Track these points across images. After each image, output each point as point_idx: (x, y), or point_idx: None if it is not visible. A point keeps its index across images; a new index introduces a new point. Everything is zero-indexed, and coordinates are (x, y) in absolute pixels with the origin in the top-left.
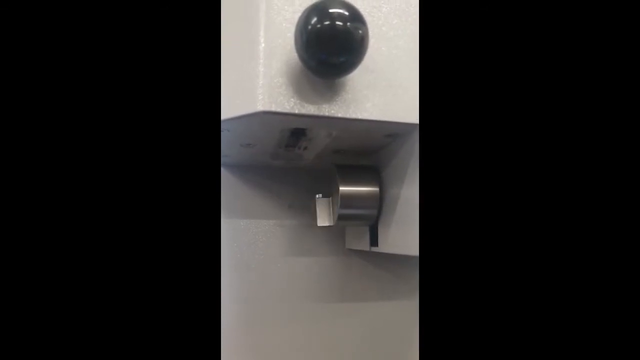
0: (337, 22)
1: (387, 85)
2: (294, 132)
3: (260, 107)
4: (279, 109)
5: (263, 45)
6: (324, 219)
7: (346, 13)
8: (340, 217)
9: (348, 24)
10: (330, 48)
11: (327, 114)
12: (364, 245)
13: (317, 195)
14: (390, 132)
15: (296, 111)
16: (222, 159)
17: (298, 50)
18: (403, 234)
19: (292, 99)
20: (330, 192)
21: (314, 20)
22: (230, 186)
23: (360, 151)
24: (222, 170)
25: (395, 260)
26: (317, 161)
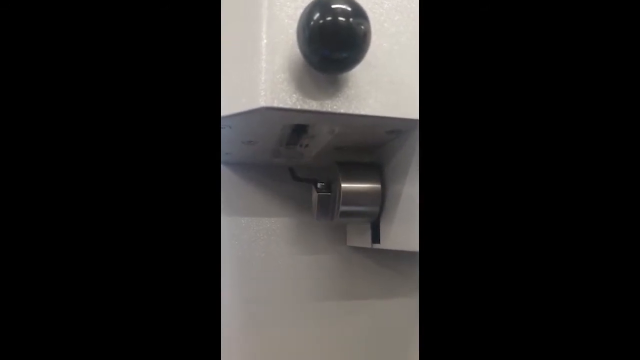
0: (340, 18)
1: (389, 81)
2: (295, 128)
3: (262, 102)
4: (281, 105)
5: (265, 41)
6: (323, 214)
7: (349, 9)
8: (342, 214)
9: (350, 19)
10: (332, 44)
11: (329, 109)
12: (366, 242)
13: (318, 185)
14: (393, 128)
15: (298, 107)
16: (224, 157)
17: (300, 46)
18: (405, 231)
19: (294, 95)
20: (331, 187)
21: (317, 16)
22: (232, 184)
23: (362, 148)
24: (224, 168)
25: (396, 257)
26: (318, 159)
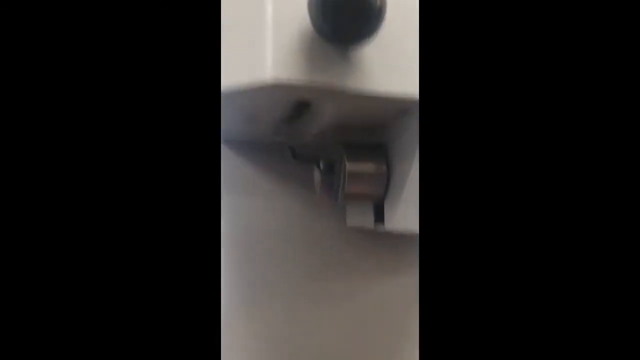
0: None
1: (402, 59)
2: (298, 105)
3: (268, 78)
4: (288, 81)
5: (271, 12)
6: (326, 196)
7: None
8: (347, 196)
9: None
10: (347, 13)
11: (339, 87)
12: (367, 222)
13: (321, 165)
14: (404, 107)
15: (306, 83)
16: (223, 135)
17: (311, 16)
18: (412, 212)
19: (302, 70)
20: (334, 168)
21: None
22: (231, 163)
23: (367, 127)
24: (223, 146)
25: (396, 237)
26: (321, 137)
